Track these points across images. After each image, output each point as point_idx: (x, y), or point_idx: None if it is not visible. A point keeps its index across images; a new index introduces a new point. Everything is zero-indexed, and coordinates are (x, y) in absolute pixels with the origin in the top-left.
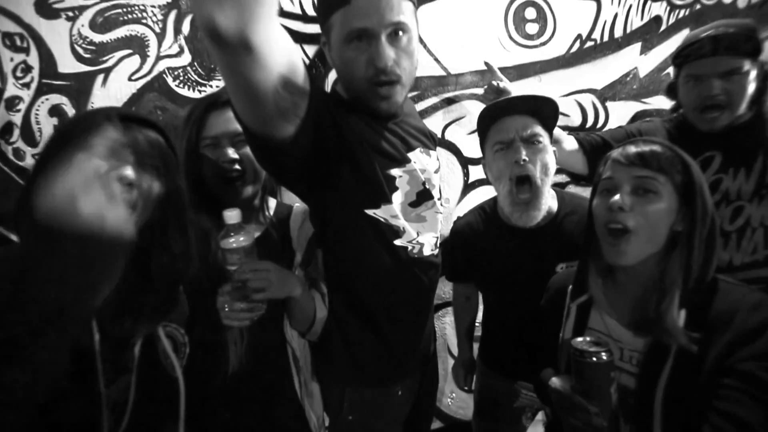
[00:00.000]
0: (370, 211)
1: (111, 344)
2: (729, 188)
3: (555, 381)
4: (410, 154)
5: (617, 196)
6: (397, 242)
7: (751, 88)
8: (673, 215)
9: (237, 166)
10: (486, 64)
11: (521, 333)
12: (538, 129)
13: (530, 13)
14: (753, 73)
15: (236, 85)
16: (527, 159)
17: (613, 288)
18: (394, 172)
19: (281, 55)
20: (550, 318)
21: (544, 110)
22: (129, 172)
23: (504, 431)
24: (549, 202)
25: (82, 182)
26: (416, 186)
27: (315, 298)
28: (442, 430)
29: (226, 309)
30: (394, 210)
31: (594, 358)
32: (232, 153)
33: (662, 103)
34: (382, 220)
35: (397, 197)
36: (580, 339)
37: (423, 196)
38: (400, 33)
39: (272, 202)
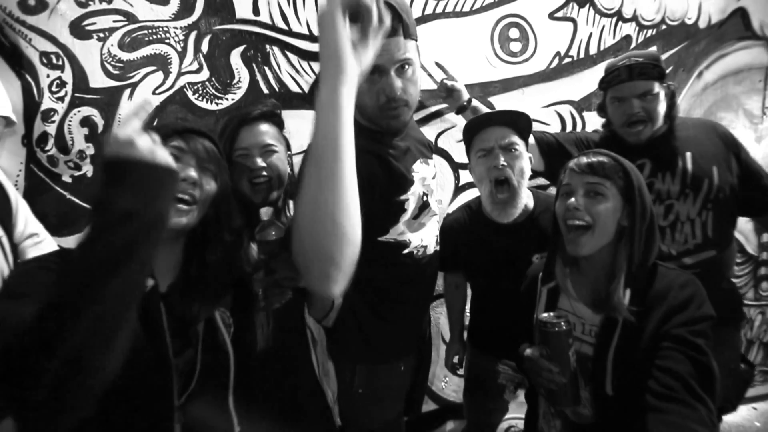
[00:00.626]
0: (381, 238)
1: (177, 323)
2: (660, 189)
3: (527, 351)
4: (414, 166)
5: (572, 199)
6: (405, 251)
7: (663, 105)
8: (619, 212)
9: (265, 173)
10: (437, 64)
11: (503, 315)
12: (515, 138)
13: (514, 33)
14: (662, 93)
15: None
16: (505, 164)
17: (577, 274)
18: (403, 197)
19: None
20: (527, 302)
21: (519, 122)
22: (193, 173)
23: (489, 405)
24: (525, 201)
25: None
26: (419, 201)
27: None
28: (437, 412)
29: (260, 292)
30: (400, 228)
31: (556, 328)
32: (260, 162)
33: None
34: (392, 241)
35: (404, 216)
36: (545, 314)
37: (423, 207)
38: (406, 66)
39: (293, 205)
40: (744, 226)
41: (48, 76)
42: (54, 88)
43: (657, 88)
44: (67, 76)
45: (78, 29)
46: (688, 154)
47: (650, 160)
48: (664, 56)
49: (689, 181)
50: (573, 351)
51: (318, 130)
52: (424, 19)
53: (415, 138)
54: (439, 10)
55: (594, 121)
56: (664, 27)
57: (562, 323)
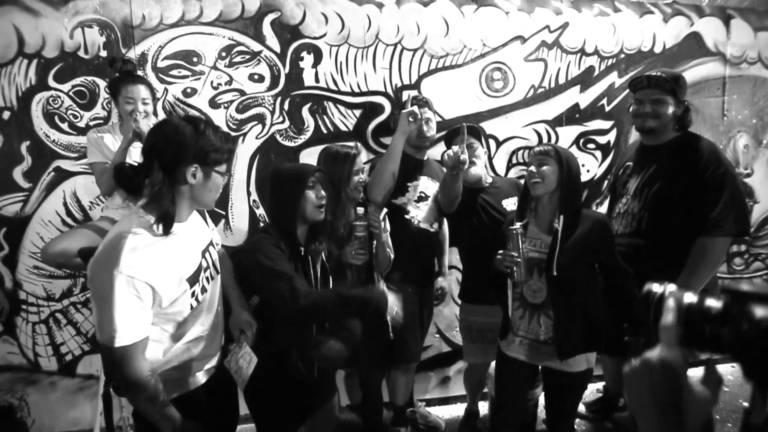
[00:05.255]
0: (393, 200)
1: (311, 256)
2: (629, 186)
3: (498, 253)
4: (420, 176)
5: (533, 167)
6: (406, 216)
7: (671, 111)
8: (556, 174)
9: (362, 179)
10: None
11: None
12: (473, 140)
13: (497, 75)
14: (672, 104)
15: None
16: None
17: (536, 212)
18: (408, 184)
19: None
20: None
21: (474, 131)
22: (322, 192)
23: (480, 347)
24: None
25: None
26: (416, 192)
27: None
28: (450, 353)
29: (353, 253)
30: (404, 200)
31: (513, 231)
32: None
33: (598, 125)
34: (398, 204)
35: (407, 195)
36: (510, 226)
37: (421, 198)
38: (429, 121)
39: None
40: None
41: None
42: None
43: (667, 98)
44: None
45: (213, 103)
46: (653, 167)
47: (633, 164)
48: (623, 78)
49: (641, 185)
50: (525, 247)
51: (391, 149)
52: (430, 72)
53: (433, 169)
54: (440, 65)
55: (565, 135)
56: (622, 56)
57: (519, 228)
